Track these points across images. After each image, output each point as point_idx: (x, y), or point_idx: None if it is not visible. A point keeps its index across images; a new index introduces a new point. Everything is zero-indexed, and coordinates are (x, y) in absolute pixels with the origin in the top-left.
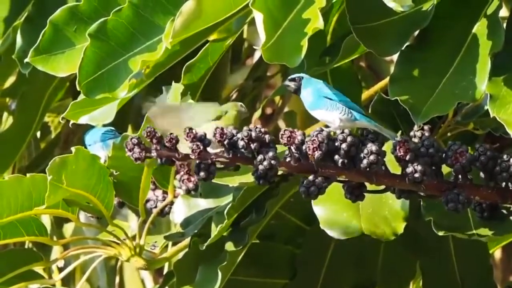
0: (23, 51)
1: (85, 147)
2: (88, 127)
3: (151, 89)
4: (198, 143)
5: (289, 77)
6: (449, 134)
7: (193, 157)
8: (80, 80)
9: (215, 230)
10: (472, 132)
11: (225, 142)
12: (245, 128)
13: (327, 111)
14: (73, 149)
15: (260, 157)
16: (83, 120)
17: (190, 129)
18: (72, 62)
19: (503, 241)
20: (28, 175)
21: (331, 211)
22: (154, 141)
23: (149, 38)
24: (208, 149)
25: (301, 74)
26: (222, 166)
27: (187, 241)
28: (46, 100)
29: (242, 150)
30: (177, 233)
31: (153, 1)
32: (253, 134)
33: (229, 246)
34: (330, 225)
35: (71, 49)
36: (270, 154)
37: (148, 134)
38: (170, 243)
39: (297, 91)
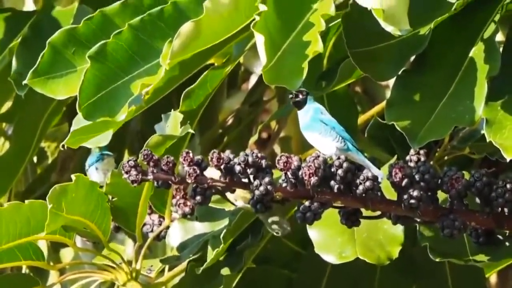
0: (19, 73)
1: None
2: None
3: (147, 114)
4: (195, 167)
5: (296, 90)
6: (445, 158)
7: (189, 181)
8: (81, 103)
9: (211, 254)
10: (468, 156)
11: (222, 167)
12: (242, 153)
13: (320, 135)
14: (73, 176)
15: (256, 182)
16: None
17: (187, 152)
18: (70, 85)
19: (499, 265)
20: (26, 201)
21: (326, 236)
22: (151, 164)
23: (148, 61)
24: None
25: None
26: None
27: (183, 265)
28: (43, 125)
29: (239, 175)
30: (173, 256)
31: (151, 25)
32: (250, 159)
33: (225, 270)
34: (325, 249)
35: (70, 71)
36: (267, 179)
37: (145, 157)
38: (166, 267)
39: (300, 105)
